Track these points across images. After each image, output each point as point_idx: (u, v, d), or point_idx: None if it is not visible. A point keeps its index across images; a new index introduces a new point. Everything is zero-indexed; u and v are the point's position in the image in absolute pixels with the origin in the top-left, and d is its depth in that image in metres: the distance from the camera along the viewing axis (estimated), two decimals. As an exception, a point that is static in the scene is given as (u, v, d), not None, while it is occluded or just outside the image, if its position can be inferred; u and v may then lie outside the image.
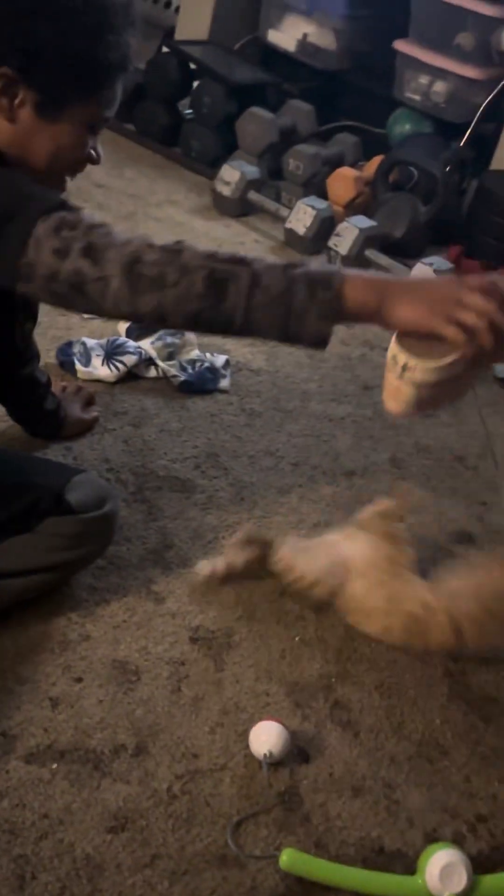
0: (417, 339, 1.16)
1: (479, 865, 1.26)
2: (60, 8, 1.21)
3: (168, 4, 4.32)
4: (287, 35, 3.45)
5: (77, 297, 1.15)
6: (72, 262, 1.13)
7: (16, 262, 1.14)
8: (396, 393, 1.22)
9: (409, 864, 1.24)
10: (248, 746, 1.33)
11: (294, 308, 1.12)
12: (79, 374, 2.02)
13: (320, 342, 1.16)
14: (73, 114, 1.26)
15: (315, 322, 1.13)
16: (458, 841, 1.29)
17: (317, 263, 1.17)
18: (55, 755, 1.27)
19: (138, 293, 1.13)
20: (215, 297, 1.12)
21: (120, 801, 1.24)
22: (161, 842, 1.21)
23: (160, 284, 1.12)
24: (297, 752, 1.36)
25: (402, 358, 1.17)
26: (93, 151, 1.34)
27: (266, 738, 1.31)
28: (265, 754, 1.30)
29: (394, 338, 1.19)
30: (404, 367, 1.17)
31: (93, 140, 1.33)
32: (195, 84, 3.33)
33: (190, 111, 3.35)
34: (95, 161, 1.34)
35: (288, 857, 1.19)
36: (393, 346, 1.19)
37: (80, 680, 1.38)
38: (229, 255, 1.15)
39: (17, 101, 1.23)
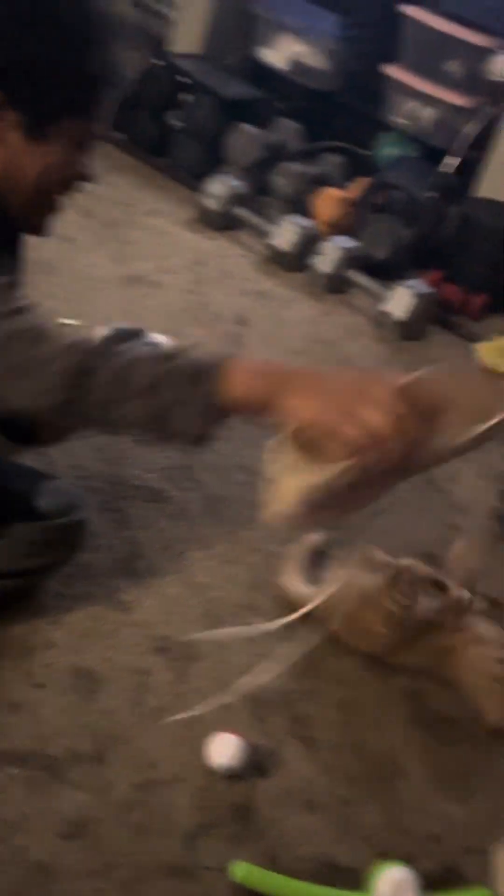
0: (312, 437, 1.00)
1: (430, 885, 1.27)
2: (45, 24, 1.19)
3: (162, 16, 4.36)
4: (279, 53, 3.49)
5: None
6: None
7: None
8: (278, 497, 1.06)
9: (359, 882, 1.25)
10: (206, 759, 1.33)
11: (163, 404, 1.00)
12: (56, 381, 2.02)
13: (197, 441, 1.04)
14: (62, 132, 1.24)
15: (188, 419, 1.00)
16: (409, 860, 1.30)
17: (209, 351, 1.05)
18: (13, 760, 1.28)
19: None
20: (73, 391, 1.01)
21: (76, 808, 1.25)
22: (115, 850, 1.21)
23: (21, 373, 1.03)
24: (255, 766, 1.36)
25: (289, 458, 1.02)
26: (85, 168, 1.31)
27: (224, 750, 1.32)
28: (222, 766, 1.31)
29: (285, 433, 1.03)
30: (291, 469, 1.02)
31: (84, 157, 1.31)
32: (186, 97, 3.35)
33: (180, 123, 3.38)
34: (88, 178, 1.31)
35: (241, 871, 1.20)
36: (279, 443, 1.04)
37: (41, 686, 1.39)
38: (99, 345, 1.04)
39: (3, 125, 1.20)
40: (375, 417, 0.96)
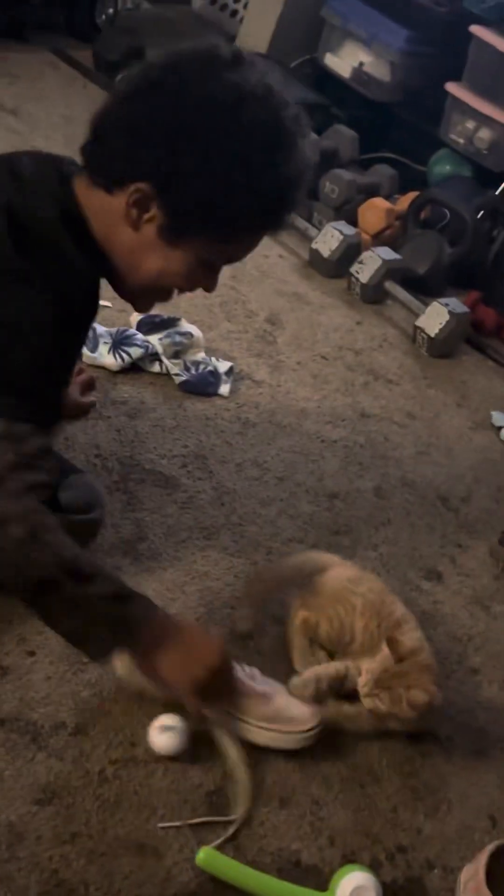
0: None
1: (391, 894, 1.28)
2: (212, 138, 1.19)
3: (234, 13, 4.39)
4: (343, 61, 3.50)
5: None
6: None
7: None
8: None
9: (322, 882, 1.27)
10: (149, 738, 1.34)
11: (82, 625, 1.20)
12: (84, 359, 2.05)
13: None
14: (194, 246, 1.26)
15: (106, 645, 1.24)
16: (374, 866, 1.31)
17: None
18: (-4, 722, 1.30)
19: None
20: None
21: (51, 775, 1.27)
22: (84, 821, 1.23)
23: None
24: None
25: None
26: (208, 284, 1.35)
27: (165, 717, 1.35)
28: (160, 727, 1.33)
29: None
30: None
31: (211, 274, 1.34)
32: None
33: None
34: (208, 290, 1.37)
35: (205, 855, 1.22)
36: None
37: (32, 654, 1.41)
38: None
39: (146, 217, 1.25)
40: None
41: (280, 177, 1.23)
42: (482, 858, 1.29)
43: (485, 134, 3.18)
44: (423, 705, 1.39)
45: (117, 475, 1.79)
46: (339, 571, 1.61)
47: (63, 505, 1.45)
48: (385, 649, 1.43)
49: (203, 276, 1.33)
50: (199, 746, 1.35)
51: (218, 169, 1.20)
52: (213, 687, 1.26)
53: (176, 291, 1.38)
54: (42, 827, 1.21)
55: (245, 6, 4.18)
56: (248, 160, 1.20)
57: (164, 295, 1.38)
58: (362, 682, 1.43)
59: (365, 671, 1.44)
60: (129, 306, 2.25)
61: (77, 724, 1.34)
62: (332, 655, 1.53)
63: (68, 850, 1.20)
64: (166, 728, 1.32)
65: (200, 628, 1.46)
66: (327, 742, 1.45)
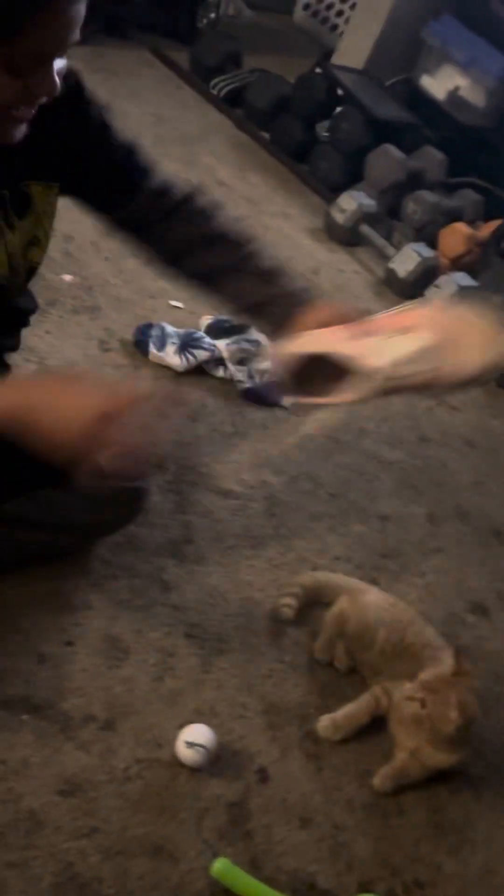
0: None
1: (404, 928, 1.26)
2: None
3: (335, 28, 4.39)
4: (439, 83, 3.48)
5: None
6: None
7: None
8: None
9: (335, 908, 1.25)
10: (176, 745, 1.33)
11: None
12: (150, 357, 2.06)
13: None
14: None
15: None
16: (389, 899, 1.29)
17: None
18: (28, 707, 1.31)
19: None
20: None
21: (77, 767, 1.27)
22: (104, 817, 1.23)
23: None
24: (258, 770, 1.37)
25: None
26: (40, 87, 1.09)
27: (194, 730, 1.34)
28: (188, 741, 1.32)
29: None
30: None
31: (40, 71, 1.08)
32: (338, 109, 3.37)
33: (327, 134, 3.40)
34: (49, 94, 1.10)
35: (221, 866, 1.21)
36: None
37: (71, 644, 1.42)
38: None
39: None
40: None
41: None
42: None
43: None
44: (472, 711, 1.38)
45: (171, 475, 1.80)
46: (381, 594, 1.61)
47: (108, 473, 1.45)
48: (448, 659, 1.42)
49: (11, 85, 1.08)
50: (223, 761, 1.35)
51: None
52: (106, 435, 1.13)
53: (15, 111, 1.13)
54: (62, 818, 1.21)
55: (346, 21, 4.19)
56: None
57: (6, 118, 1.13)
58: (410, 686, 1.42)
59: (418, 679, 1.43)
60: (198, 307, 2.28)
61: (107, 719, 1.34)
62: (351, 658, 1.56)
63: (85, 845, 1.20)
64: (193, 744, 1.31)
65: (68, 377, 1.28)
66: (353, 767, 1.43)
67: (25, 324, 1.55)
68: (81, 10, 1.06)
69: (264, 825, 1.31)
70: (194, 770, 1.32)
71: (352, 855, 1.33)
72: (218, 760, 1.35)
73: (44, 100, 1.12)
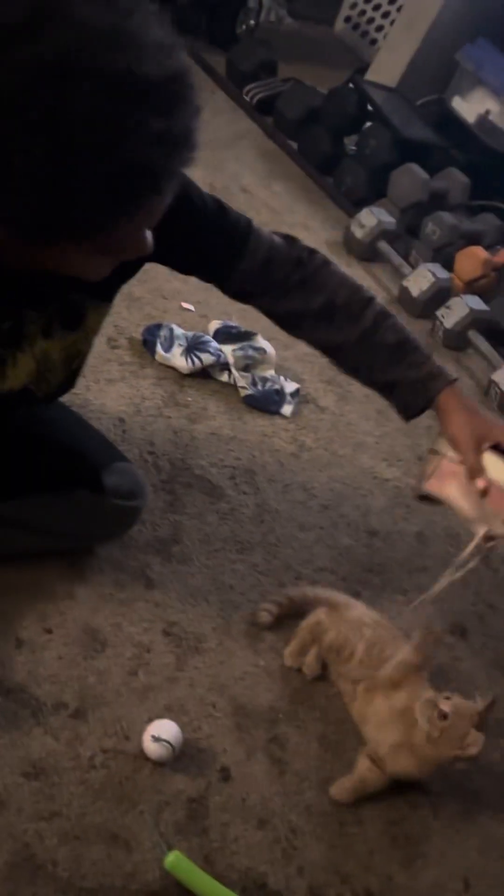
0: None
1: (349, 935, 1.29)
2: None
3: (373, 42, 4.42)
4: (470, 106, 3.50)
5: None
6: None
7: None
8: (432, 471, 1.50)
9: (283, 909, 1.28)
10: (143, 739, 1.37)
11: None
12: (157, 357, 2.10)
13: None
14: (60, 249, 1.02)
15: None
16: (338, 905, 1.32)
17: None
18: (1, 690, 1.35)
19: None
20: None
21: (43, 752, 1.31)
22: (66, 802, 1.27)
23: None
24: (221, 769, 1.40)
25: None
26: (139, 250, 1.08)
27: (161, 725, 1.37)
28: (155, 736, 1.35)
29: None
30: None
31: (132, 244, 1.07)
32: (367, 124, 3.40)
33: (354, 148, 3.43)
34: (144, 253, 1.09)
35: (174, 859, 1.24)
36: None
37: (49, 632, 1.46)
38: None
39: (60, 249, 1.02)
40: None
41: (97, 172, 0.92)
42: None
43: None
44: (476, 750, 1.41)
45: (166, 475, 1.83)
46: (364, 610, 1.63)
47: (108, 488, 1.49)
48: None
49: (105, 261, 1.10)
50: (187, 757, 1.38)
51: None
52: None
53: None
54: (25, 800, 1.25)
55: (385, 36, 4.22)
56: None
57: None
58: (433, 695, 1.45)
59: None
60: (209, 312, 2.32)
61: (78, 708, 1.38)
62: (321, 666, 1.59)
63: (44, 828, 1.23)
64: (160, 739, 1.35)
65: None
66: (315, 775, 1.46)
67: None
68: (168, 196, 1.03)
69: (221, 823, 1.34)
70: (158, 764, 1.36)
71: (305, 859, 1.36)
72: (182, 756, 1.38)
73: None
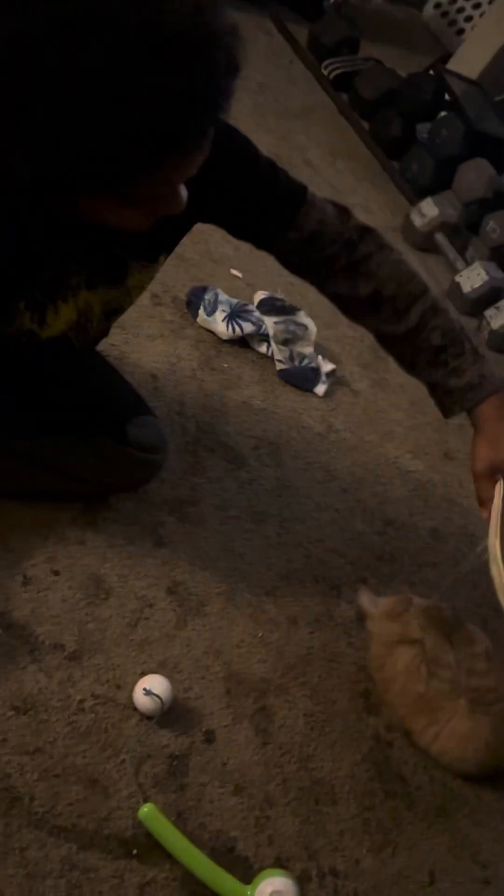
0: None
1: (309, 910, 1.31)
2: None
3: (461, 32, 4.36)
4: (549, 107, 3.46)
5: None
6: None
7: None
8: None
9: (248, 875, 1.30)
10: (134, 693, 1.38)
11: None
12: (198, 320, 2.11)
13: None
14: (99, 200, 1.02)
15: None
16: (303, 880, 1.34)
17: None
18: (3, 623, 1.37)
19: None
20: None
21: (36, 689, 1.33)
22: (50, 740, 1.29)
23: None
24: (206, 731, 1.42)
25: None
26: (170, 206, 1.08)
27: (154, 679, 1.39)
28: (146, 689, 1.37)
29: None
30: None
31: (165, 198, 1.06)
32: (441, 113, 3.36)
33: (426, 136, 3.39)
34: (178, 210, 1.09)
35: (148, 811, 1.26)
36: None
37: (57, 573, 1.48)
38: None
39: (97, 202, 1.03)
40: None
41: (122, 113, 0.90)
42: None
43: None
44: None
45: (191, 437, 1.84)
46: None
47: (130, 439, 1.50)
48: None
49: (135, 215, 1.07)
50: (174, 714, 1.40)
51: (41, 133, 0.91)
52: None
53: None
54: (10, 732, 1.27)
55: (473, 27, 4.15)
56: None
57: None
58: None
59: None
60: (257, 282, 2.32)
61: (75, 651, 1.40)
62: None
63: (26, 762, 1.26)
64: (150, 692, 1.36)
65: None
66: (298, 750, 1.47)
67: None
68: (202, 153, 1.01)
69: (199, 783, 1.36)
70: (146, 717, 1.38)
71: (276, 830, 1.37)
72: (170, 713, 1.40)
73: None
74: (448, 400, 1.44)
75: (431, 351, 1.41)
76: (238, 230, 1.39)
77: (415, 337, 1.41)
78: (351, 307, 1.44)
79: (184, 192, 1.06)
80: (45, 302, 1.28)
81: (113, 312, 1.40)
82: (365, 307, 1.42)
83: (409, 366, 1.46)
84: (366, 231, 1.41)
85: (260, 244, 1.41)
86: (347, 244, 1.37)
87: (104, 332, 1.46)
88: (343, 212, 1.40)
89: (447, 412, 1.46)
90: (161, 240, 1.24)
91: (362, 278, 1.40)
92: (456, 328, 1.43)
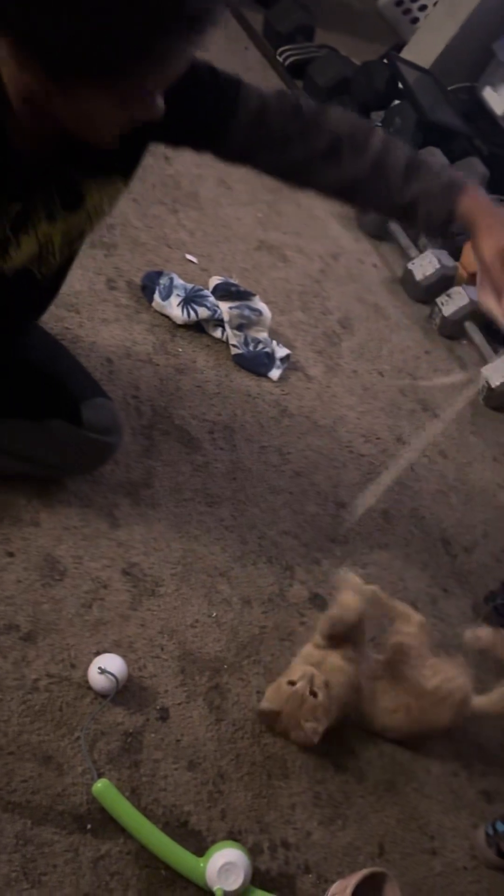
0: None
1: (261, 882, 1.34)
2: None
3: (415, 21, 4.39)
4: (501, 98, 3.50)
5: None
6: None
7: None
8: None
9: (201, 849, 1.32)
10: (89, 672, 1.40)
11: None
12: (153, 305, 2.12)
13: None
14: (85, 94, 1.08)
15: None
16: (254, 852, 1.37)
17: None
18: (-43, 604, 1.38)
19: None
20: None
21: (-10, 669, 1.35)
22: (4, 718, 1.31)
23: None
24: (160, 708, 1.44)
25: None
26: (146, 113, 1.14)
27: (108, 658, 1.40)
28: (101, 668, 1.39)
29: None
30: None
31: (146, 102, 1.13)
32: (395, 102, 3.39)
33: (379, 124, 3.42)
34: (155, 118, 1.15)
35: (102, 786, 1.29)
36: None
37: (11, 555, 1.49)
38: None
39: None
40: None
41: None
42: (354, 879, 1.34)
43: None
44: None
45: (146, 420, 1.86)
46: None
47: (85, 421, 1.51)
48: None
49: (118, 116, 1.14)
50: (129, 693, 1.42)
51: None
52: None
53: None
54: (-34, 711, 1.29)
55: (427, 17, 4.19)
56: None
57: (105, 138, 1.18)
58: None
59: None
60: (212, 267, 2.33)
61: (29, 632, 1.41)
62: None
63: (-19, 740, 1.27)
64: (105, 671, 1.38)
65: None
66: (251, 727, 1.50)
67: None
68: (186, 55, 1.09)
69: (153, 760, 1.39)
70: (101, 696, 1.40)
71: (229, 805, 1.40)
72: (125, 692, 1.42)
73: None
74: (432, 205, 1.40)
75: (403, 169, 1.40)
76: (183, 132, 1.37)
77: (383, 162, 1.40)
78: (312, 168, 1.42)
79: (160, 101, 1.13)
80: (8, 236, 1.29)
81: (73, 240, 1.40)
82: (326, 161, 1.40)
83: (387, 197, 1.43)
84: (304, 98, 1.42)
85: (207, 141, 1.40)
86: (294, 110, 1.38)
87: (69, 260, 1.45)
88: (279, 91, 1.41)
89: (434, 219, 1.42)
90: (115, 159, 1.26)
91: (316, 132, 1.39)
92: (413, 149, 1.44)
